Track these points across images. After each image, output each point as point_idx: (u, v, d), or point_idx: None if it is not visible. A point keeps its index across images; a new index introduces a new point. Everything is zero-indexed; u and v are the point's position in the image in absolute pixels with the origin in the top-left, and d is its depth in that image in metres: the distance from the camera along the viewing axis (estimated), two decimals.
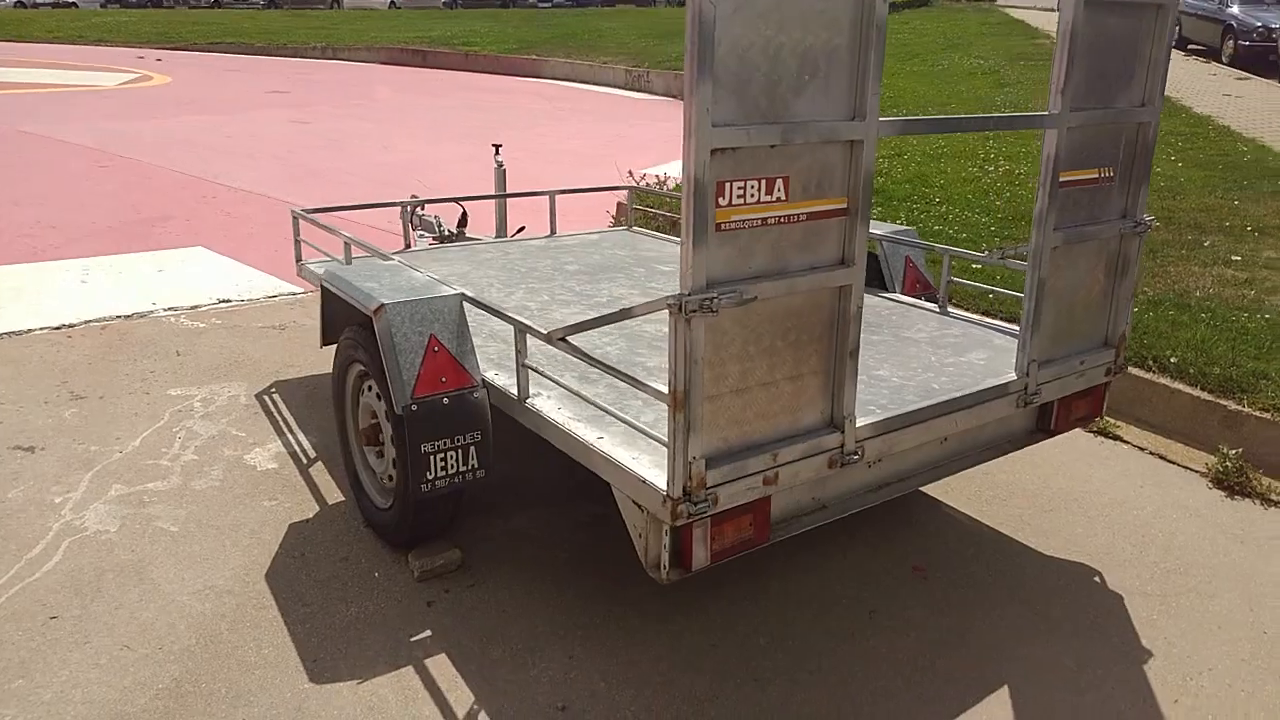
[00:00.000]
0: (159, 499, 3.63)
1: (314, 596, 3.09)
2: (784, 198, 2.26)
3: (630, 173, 9.72)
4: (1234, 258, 6.41)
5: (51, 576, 3.14)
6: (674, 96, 20.23)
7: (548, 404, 2.83)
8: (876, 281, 4.30)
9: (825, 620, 3.02)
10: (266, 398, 4.55)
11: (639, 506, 2.38)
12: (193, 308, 5.78)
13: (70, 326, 5.37)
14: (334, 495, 3.70)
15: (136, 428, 4.19)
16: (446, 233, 5.75)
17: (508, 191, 5.72)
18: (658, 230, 5.91)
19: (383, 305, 2.96)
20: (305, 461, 3.95)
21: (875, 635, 2.95)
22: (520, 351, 2.82)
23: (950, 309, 3.89)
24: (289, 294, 6.12)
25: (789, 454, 2.41)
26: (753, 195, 2.20)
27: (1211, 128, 11.44)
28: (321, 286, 3.45)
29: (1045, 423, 3.21)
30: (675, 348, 2.12)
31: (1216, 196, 8.19)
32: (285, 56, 25.64)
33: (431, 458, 2.94)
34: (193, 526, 3.45)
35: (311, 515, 3.56)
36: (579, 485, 3.77)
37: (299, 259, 4.68)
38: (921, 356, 3.28)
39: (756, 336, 2.29)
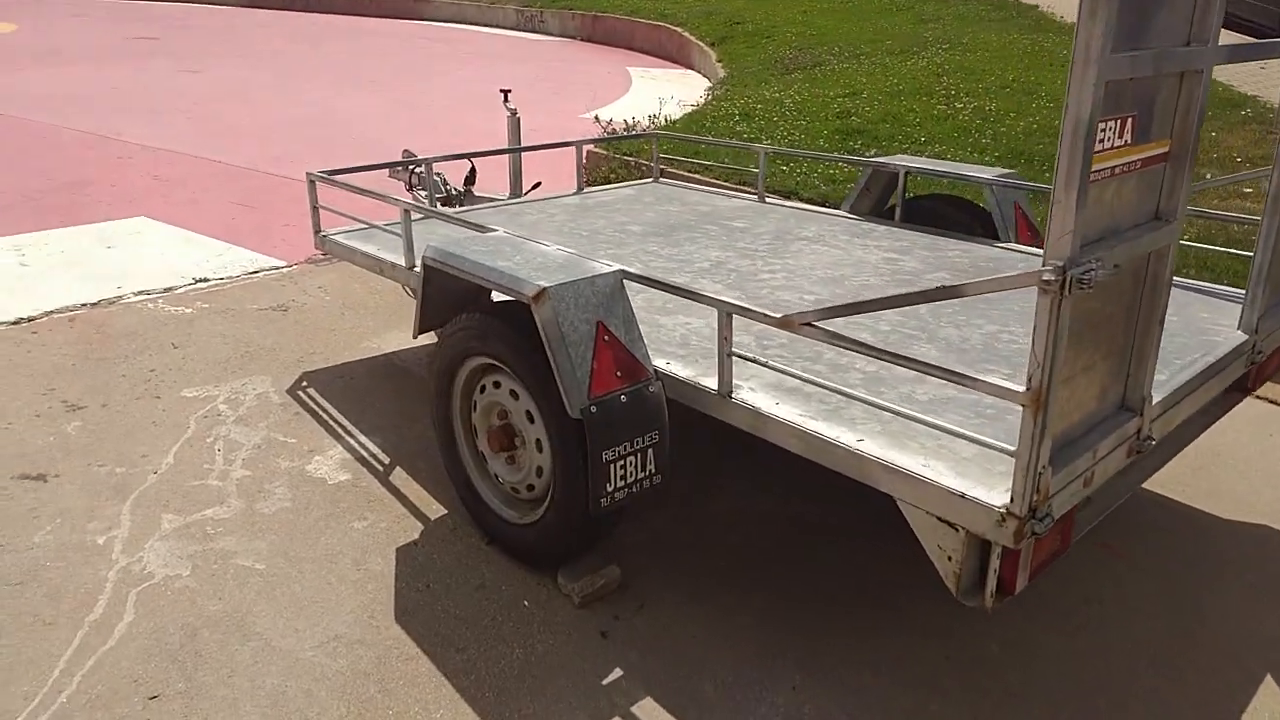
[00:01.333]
0: (226, 529, 3.02)
1: (465, 638, 2.60)
2: (1129, 141, 1.90)
3: (597, 118, 9.12)
4: (1245, 189, 6.45)
5: (131, 643, 2.53)
6: (571, 37, 19.48)
7: (762, 399, 2.40)
8: (987, 231, 4.01)
9: (1044, 617, 2.75)
10: (301, 393, 3.92)
11: (951, 526, 2.01)
12: (167, 290, 4.98)
13: (30, 320, 4.53)
14: (433, 508, 3.17)
15: (162, 441, 3.51)
16: (453, 192, 5.14)
17: (522, 145, 5.13)
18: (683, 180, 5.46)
19: (545, 289, 2.45)
20: (381, 468, 3.39)
21: (1104, 627, 2.70)
22: (726, 338, 2.37)
23: None
24: (272, 268, 5.37)
25: (1104, 447, 2.08)
26: (1108, 139, 1.82)
27: None
28: (425, 265, 2.88)
29: (1242, 381, 3.00)
30: (1046, 332, 1.74)
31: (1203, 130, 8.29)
32: (136, 1, 23.35)
33: (612, 466, 2.48)
34: (282, 562, 2.88)
35: (417, 535, 3.03)
36: (700, 478, 3.37)
37: (318, 229, 4.03)
38: None
39: (1088, 312, 1.94)
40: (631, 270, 2.60)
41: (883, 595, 2.78)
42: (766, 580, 2.83)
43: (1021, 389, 1.79)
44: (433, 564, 2.90)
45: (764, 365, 2.32)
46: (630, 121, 9.11)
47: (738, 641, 2.60)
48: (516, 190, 5.24)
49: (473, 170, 5.22)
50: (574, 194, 4.88)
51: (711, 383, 2.49)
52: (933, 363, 1.93)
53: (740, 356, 2.36)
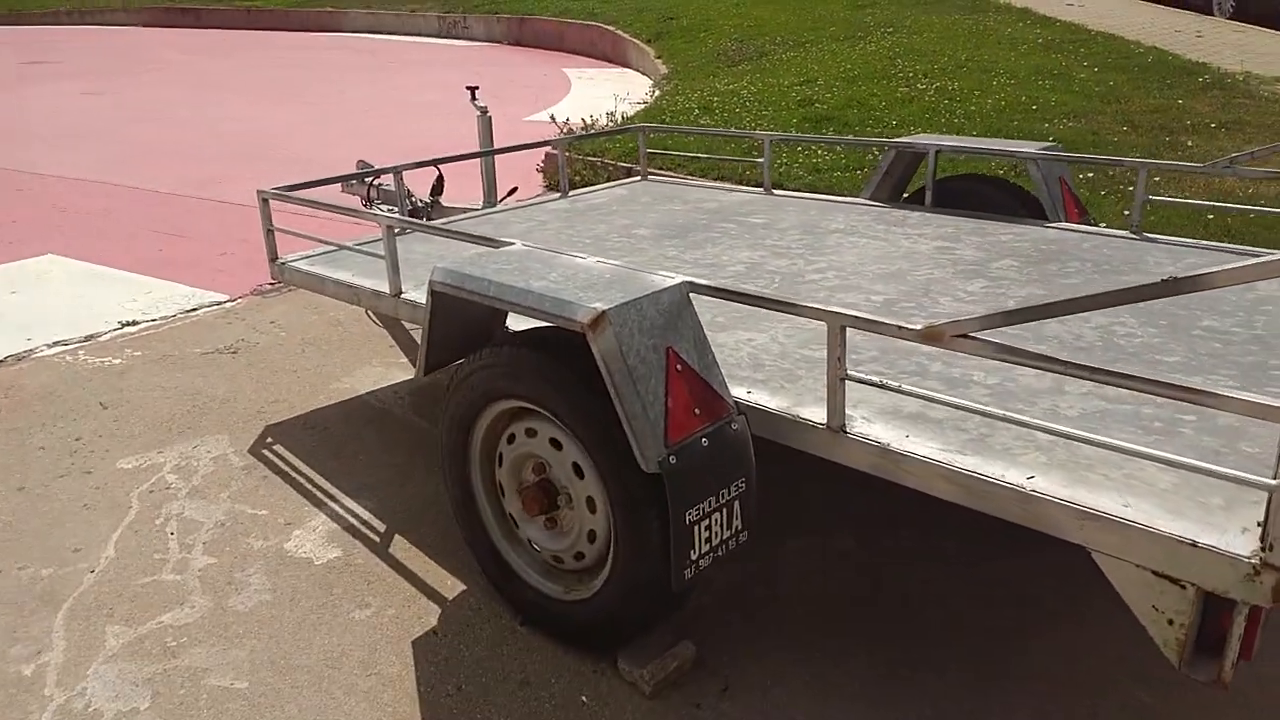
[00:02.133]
0: (193, 638, 2.41)
1: None
2: None
3: (553, 118, 8.56)
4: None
5: None
6: (497, 41, 18.85)
7: (886, 431, 1.92)
8: (1030, 211, 3.60)
9: None
10: (267, 452, 3.31)
11: (1175, 582, 1.55)
12: (89, 338, 4.28)
13: None
14: (448, 585, 2.61)
15: (98, 528, 2.87)
16: (419, 204, 4.57)
17: (496, 146, 4.58)
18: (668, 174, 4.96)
19: (603, 313, 1.92)
20: (377, 539, 2.81)
21: None
22: (839, 359, 1.87)
23: (1147, 234, 3.25)
24: (214, 304, 4.70)
25: None
26: None
27: (1093, 33, 11.57)
28: (433, 291, 2.32)
29: None
30: None
31: (1155, 97, 8.11)
32: (26, 25, 22.01)
33: (696, 528, 1.97)
34: (269, 675, 2.29)
35: (435, 622, 2.47)
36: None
37: (274, 256, 3.43)
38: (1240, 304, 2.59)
39: None
40: (700, 281, 2.08)
41: (1021, 646, 2.32)
42: (868, 639, 2.35)
43: None
44: (460, 658, 2.34)
45: (894, 390, 1.83)
46: (588, 120, 8.59)
47: None
48: (491, 198, 4.69)
49: (440, 179, 4.65)
50: (559, 198, 4.35)
51: (816, 414, 2.00)
52: (1160, 379, 1.46)
53: (861, 381, 1.87)
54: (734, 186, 4.48)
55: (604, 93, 12.63)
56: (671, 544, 1.95)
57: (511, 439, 2.35)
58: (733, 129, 7.12)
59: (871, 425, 1.95)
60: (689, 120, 8.45)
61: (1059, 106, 7.91)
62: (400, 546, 2.78)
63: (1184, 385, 1.43)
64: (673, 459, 1.93)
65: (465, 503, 2.50)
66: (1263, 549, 1.44)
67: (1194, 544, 1.50)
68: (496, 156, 4.48)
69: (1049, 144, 3.58)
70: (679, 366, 2.00)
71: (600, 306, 1.94)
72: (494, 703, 2.20)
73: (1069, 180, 3.59)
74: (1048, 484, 1.70)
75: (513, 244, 2.47)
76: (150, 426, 3.48)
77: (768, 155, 4.27)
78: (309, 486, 3.09)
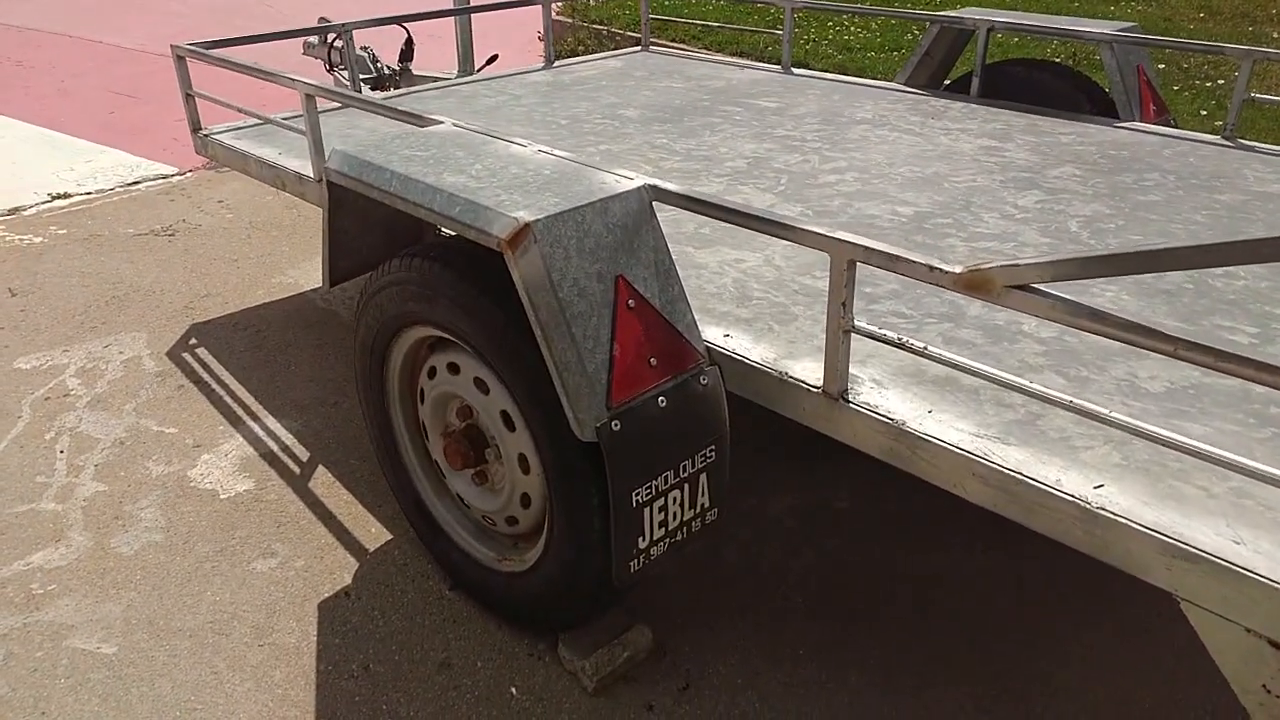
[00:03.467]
0: (63, 586, 2.04)
1: None
2: None
3: None
4: None
5: None
6: None
7: (902, 402, 1.44)
8: (1098, 106, 3.01)
9: None
10: (188, 356, 2.88)
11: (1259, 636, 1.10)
12: (13, 211, 3.82)
13: None
14: (372, 533, 2.22)
15: None
16: (385, 71, 4.00)
17: (473, 4, 3.96)
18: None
19: (527, 225, 1.43)
20: (298, 470, 2.41)
21: None
22: (846, 304, 1.38)
23: (1242, 139, 2.67)
24: (158, 177, 4.20)
25: None
26: None
27: None
28: (329, 182, 1.83)
29: None
30: None
31: None
32: None
33: (646, 511, 1.53)
34: (143, 639, 1.92)
35: (348, 581, 2.08)
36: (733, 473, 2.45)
37: (197, 127, 2.92)
38: None
39: None
40: (665, 185, 1.57)
41: (1056, 656, 1.90)
42: (854, 633, 1.94)
43: None
44: (373, 629, 1.96)
45: (918, 352, 1.35)
46: None
47: None
48: (467, 66, 4.10)
49: (409, 41, 4.06)
50: (542, 69, 3.75)
51: (811, 372, 1.52)
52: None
53: (872, 336, 1.38)
54: (747, 62, 3.86)
55: None
56: (613, 530, 1.51)
57: (433, 373, 1.90)
58: None
59: (884, 392, 1.47)
60: None
61: None
62: (323, 481, 2.37)
63: None
64: (615, 424, 1.47)
65: (385, 442, 2.07)
66: None
67: None
68: (487, 17, 3.87)
69: (1128, 25, 2.94)
70: (631, 301, 1.51)
71: (523, 217, 1.44)
72: (405, 689, 1.83)
73: (1149, 71, 2.97)
74: (1123, 496, 1.23)
75: (440, 122, 1.95)
76: (60, 319, 3.06)
77: (788, 26, 3.64)
78: (228, 401, 2.67)
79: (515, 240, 1.43)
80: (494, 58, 4.18)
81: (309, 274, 3.40)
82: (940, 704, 1.78)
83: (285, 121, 2.68)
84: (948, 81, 3.41)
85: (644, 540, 1.56)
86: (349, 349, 2.95)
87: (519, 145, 1.78)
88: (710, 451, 1.59)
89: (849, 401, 1.44)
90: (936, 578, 2.08)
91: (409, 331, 1.87)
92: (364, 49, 4.18)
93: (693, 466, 1.58)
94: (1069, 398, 1.20)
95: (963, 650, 1.90)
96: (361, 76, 4.05)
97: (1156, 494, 1.23)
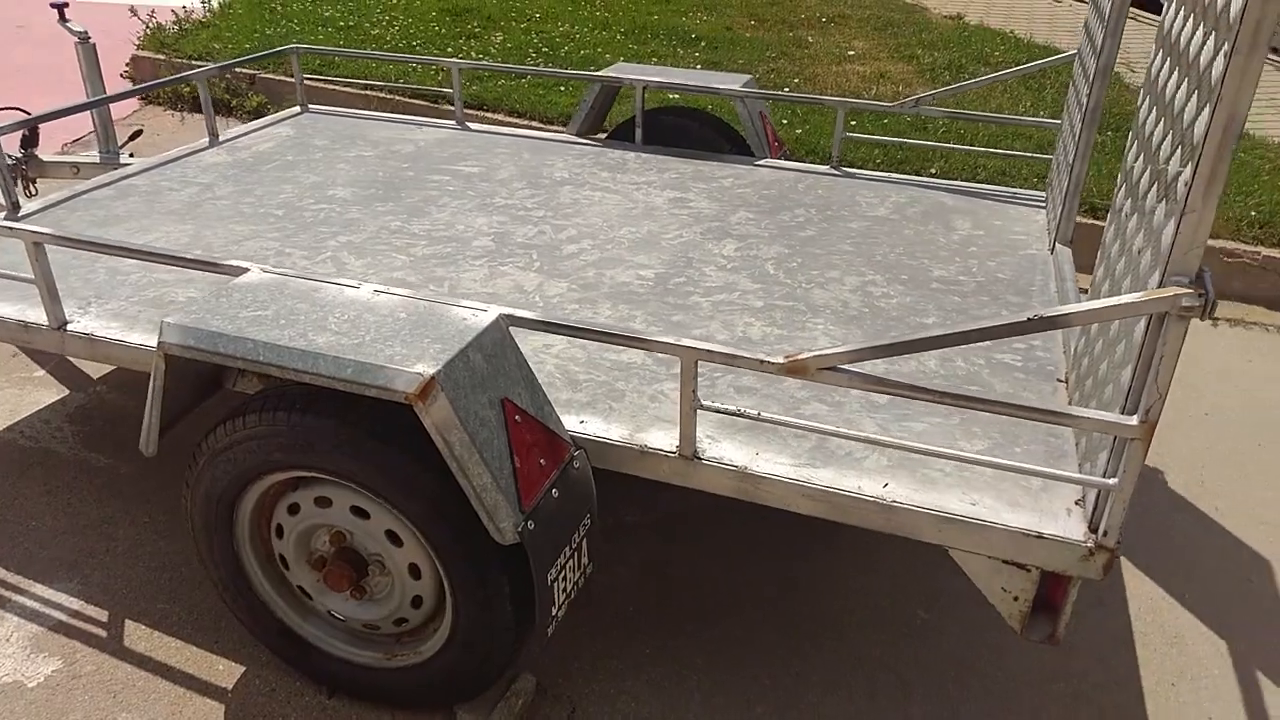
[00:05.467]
0: None
1: None
2: None
3: (133, 10, 6.97)
4: (849, 51, 6.90)
5: None
6: None
7: (735, 451, 1.88)
8: (735, 146, 3.69)
9: None
10: None
11: (1022, 567, 1.74)
12: None
13: None
14: (220, 670, 2.19)
15: None
16: (11, 159, 3.58)
17: (102, 78, 3.63)
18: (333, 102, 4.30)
19: (432, 378, 1.63)
20: (104, 631, 2.26)
21: None
22: (693, 391, 1.78)
23: (845, 168, 3.50)
24: None
25: None
26: None
27: None
28: (167, 355, 1.79)
29: None
30: (1168, 359, 1.47)
31: None
32: None
33: (556, 585, 1.83)
34: None
35: None
36: None
37: None
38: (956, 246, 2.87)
39: None
40: (519, 313, 1.84)
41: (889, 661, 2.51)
42: (684, 629, 2.41)
43: (1134, 422, 1.53)
44: None
45: (749, 418, 1.79)
46: (181, 11, 7.17)
47: None
48: (109, 146, 3.77)
49: (34, 129, 3.63)
50: (209, 145, 3.60)
51: (663, 442, 1.91)
52: (1003, 400, 1.57)
53: (718, 410, 1.80)
54: (417, 119, 4.04)
55: None
56: (537, 609, 1.79)
57: (295, 509, 1.98)
58: (409, 55, 6.31)
59: (718, 444, 1.91)
60: (307, 8, 7.44)
61: None
62: (139, 635, 2.27)
63: (1048, 409, 1.56)
64: (530, 524, 1.74)
65: (235, 582, 2.09)
66: (1096, 535, 1.66)
67: (1040, 535, 1.69)
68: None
69: (747, 78, 3.66)
70: (518, 417, 1.79)
71: (425, 371, 1.64)
72: None
73: (767, 114, 3.72)
74: (899, 488, 1.80)
75: (246, 269, 1.99)
76: None
77: (458, 86, 3.89)
78: None
79: (424, 392, 1.63)
80: (138, 133, 3.87)
81: None
82: (778, 680, 2.31)
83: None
84: (607, 128, 3.93)
85: (555, 608, 1.85)
86: (89, 489, 2.72)
87: (350, 287, 1.92)
88: (586, 519, 1.92)
89: (700, 459, 1.86)
90: (715, 579, 2.61)
91: (268, 477, 1.92)
92: None
93: (578, 536, 1.90)
94: (869, 435, 1.73)
95: (779, 629, 2.45)
96: None
97: (916, 481, 1.82)
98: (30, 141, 3.63)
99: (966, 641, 2.36)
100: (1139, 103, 1.93)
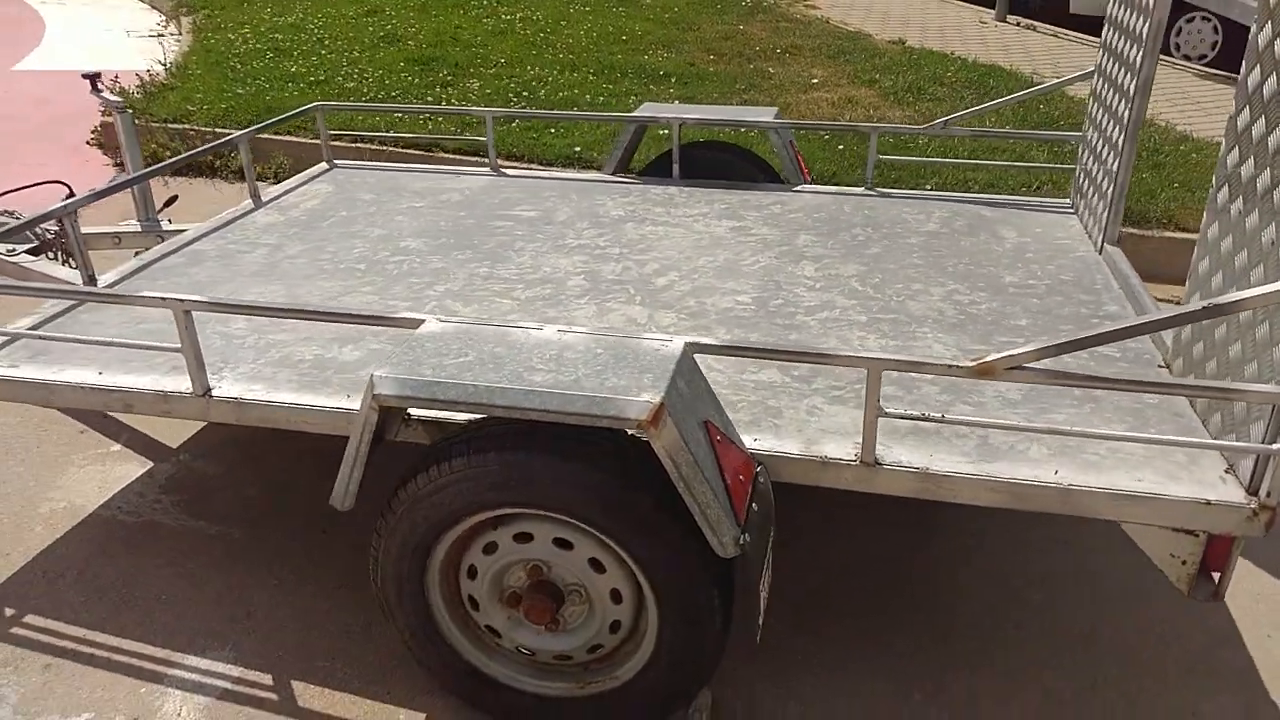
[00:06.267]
0: None
1: None
2: None
3: (95, 80, 6.82)
4: (812, 79, 7.21)
5: None
6: None
7: (911, 455, 2.02)
8: (767, 176, 3.87)
9: None
10: (21, 630, 2.40)
11: (1190, 533, 1.92)
12: None
13: None
14: (404, 717, 2.22)
15: None
16: (49, 236, 3.53)
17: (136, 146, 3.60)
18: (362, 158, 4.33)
19: (662, 404, 1.73)
20: (274, 694, 2.25)
21: None
22: (877, 400, 1.91)
23: (880, 189, 3.71)
24: None
25: None
26: None
27: None
28: (381, 405, 1.83)
29: None
30: None
31: (719, 24, 8.97)
32: None
33: (763, 593, 1.94)
34: None
35: None
36: None
37: None
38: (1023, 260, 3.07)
39: None
40: (704, 341, 1.96)
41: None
42: (825, 628, 2.52)
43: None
44: None
45: (935, 420, 1.94)
46: (146, 73, 7.08)
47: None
48: (148, 214, 3.73)
49: (70, 196, 3.58)
50: (254, 208, 3.61)
51: (841, 451, 2.03)
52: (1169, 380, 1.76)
53: (901, 417, 1.94)
54: (448, 168, 4.11)
55: (99, 24, 10.57)
56: (749, 617, 1.89)
57: (491, 548, 2.04)
58: (445, 105, 6.38)
59: (891, 450, 2.05)
60: (269, 65, 7.43)
61: (646, 36, 8.41)
62: (312, 695, 2.27)
63: (1219, 385, 1.74)
64: (745, 537, 1.85)
65: (423, 629, 2.13)
66: (1258, 497, 1.84)
67: (1208, 502, 1.87)
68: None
69: (775, 111, 3.85)
70: (718, 437, 1.90)
71: (653, 399, 1.74)
72: None
73: (795, 143, 3.92)
74: (1067, 473, 1.96)
75: (423, 320, 2.06)
76: None
77: (491, 134, 3.99)
78: (123, 661, 2.35)
79: (655, 419, 1.73)
80: (174, 199, 3.84)
81: (80, 491, 2.95)
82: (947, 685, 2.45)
83: (57, 336, 2.38)
84: (634, 168, 4.07)
85: (760, 616, 1.95)
86: (207, 557, 2.69)
87: (534, 329, 2.00)
88: (771, 531, 2.04)
89: (882, 465, 2.00)
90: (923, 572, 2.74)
91: (469, 519, 1.98)
92: (12, 213, 3.57)
93: (770, 547, 2.01)
94: (1044, 426, 1.88)
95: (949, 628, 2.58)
96: (17, 248, 3.49)
97: (1079, 465, 1.99)
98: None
99: (1082, 615, 2.54)
100: (1236, 111, 2.15)
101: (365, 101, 6.50)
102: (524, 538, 2.01)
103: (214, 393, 2.31)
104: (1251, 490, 1.87)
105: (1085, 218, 3.26)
